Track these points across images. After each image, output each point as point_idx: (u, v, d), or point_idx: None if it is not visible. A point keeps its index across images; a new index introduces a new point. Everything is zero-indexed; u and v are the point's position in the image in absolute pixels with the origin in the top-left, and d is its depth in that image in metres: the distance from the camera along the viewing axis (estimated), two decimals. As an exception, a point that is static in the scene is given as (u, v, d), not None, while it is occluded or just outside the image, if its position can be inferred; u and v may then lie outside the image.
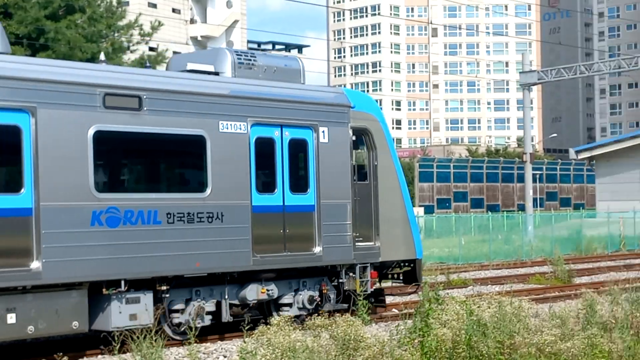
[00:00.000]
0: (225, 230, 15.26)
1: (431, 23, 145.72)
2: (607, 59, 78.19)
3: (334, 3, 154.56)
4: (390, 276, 18.85)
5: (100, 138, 13.86)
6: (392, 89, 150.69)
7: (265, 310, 16.35)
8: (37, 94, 13.24)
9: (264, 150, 15.97)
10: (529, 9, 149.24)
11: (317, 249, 16.49)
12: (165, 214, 14.57)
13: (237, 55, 16.43)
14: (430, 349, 11.85)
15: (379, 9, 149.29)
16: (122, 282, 13.96)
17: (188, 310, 15.06)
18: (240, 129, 15.58)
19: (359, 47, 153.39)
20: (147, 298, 14.36)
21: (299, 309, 16.54)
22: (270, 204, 16.04)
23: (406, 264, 18.51)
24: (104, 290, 13.87)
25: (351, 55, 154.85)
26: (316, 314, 13.55)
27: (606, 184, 57.69)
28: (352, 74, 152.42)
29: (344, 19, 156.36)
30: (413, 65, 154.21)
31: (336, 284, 17.17)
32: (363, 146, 17.86)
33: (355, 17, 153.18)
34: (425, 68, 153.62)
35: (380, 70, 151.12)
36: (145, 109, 14.40)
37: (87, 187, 13.67)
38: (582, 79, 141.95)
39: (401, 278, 18.78)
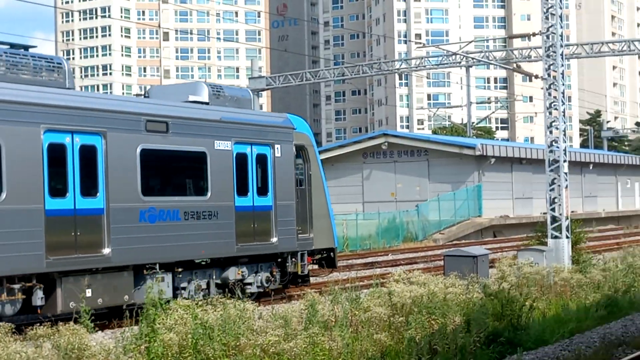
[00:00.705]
0: (220, 225, 20.06)
1: (161, 27, 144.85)
2: (332, 66, 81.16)
3: (62, 3, 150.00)
4: (314, 261, 24.03)
5: (144, 154, 18.41)
6: (123, 92, 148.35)
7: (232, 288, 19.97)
8: (107, 121, 17.71)
9: (241, 162, 20.86)
10: (259, 16, 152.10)
11: (274, 240, 21.49)
12: (183, 213, 19.28)
13: (211, 87, 21.34)
14: (156, 355, 11.82)
15: (109, 11, 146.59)
16: (157, 266, 18.50)
17: (189, 287, 19.68)
18: (227, 146, 20.49)
19: (88, 49, 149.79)
20: (168, 278, 18.97)
21: (258, 287, 21.33)
22: (245, 205, 20.96)
23: (325, 251, 24.03)
24: (144, 271, 18.31)
25: (80, 58, 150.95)
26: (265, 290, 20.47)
27: (331, 187, 59.81)
28: (81, 76, 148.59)
29: (73, 20, 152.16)
30: (144, 68, 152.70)
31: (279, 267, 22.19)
32: (300, 159, 22.93)
33: (85, 19, 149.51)
34: (157, 72, 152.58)
35: (111, 73, 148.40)
36: (170, 131, 19.07)
37: (137, 192, 18.21)
38: (309, 86, 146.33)
39: (323, 263, 24.31)
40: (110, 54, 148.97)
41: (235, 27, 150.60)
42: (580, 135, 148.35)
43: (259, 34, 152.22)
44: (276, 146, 21.89)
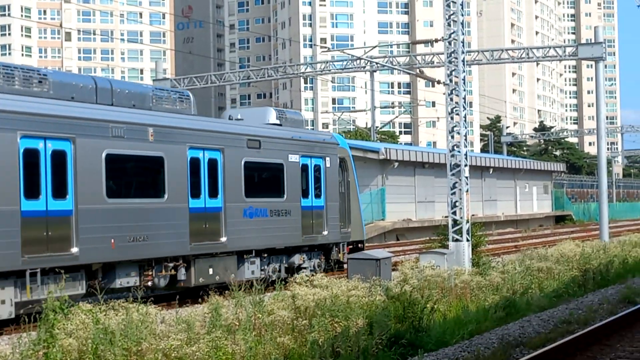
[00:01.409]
0: (291, 221, 25.74)
1: (63, 27, 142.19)
2: (237, 69, 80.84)
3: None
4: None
5: (246, 165, 24.14)
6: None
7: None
8: (224, 141, 23.51)
9: (305, 171, 26.68)
10: (164, 18, 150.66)
11: (326, 233, 27.22)
12: (269, 211, 25.00)
13: (278, 111, 27.11)
14: (55, 361, 11.59)
15: (9, 10, 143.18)
16: (253, 252, 24.16)
17: (267, 269, 24.95)
18: (296, 159, 26.25)
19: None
20: (257, 261, 24.43)
21: (311, 270, 26.27)
22: (307, 205, 26.56)
23: (357, 243, 29.63)
24: (245, 256, 23.94)
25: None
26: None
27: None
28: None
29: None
30: (46, 68, 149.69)
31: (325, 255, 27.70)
32: (341, 168, 28.59)
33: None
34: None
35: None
36: (262, 148, 24.75)
37: (242, 194, 23.89)
38: (214, 88, 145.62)
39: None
40: (10, 54, 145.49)
41: (140, 29, 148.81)
42: (481, 140, 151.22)
43: (164, 36, 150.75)
44: (327, 158, 27.81)
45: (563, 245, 29.79)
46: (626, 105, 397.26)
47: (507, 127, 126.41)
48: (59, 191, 18.54)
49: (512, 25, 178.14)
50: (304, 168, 26.70)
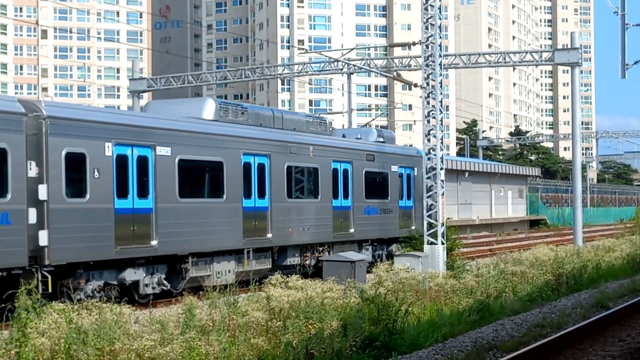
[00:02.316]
0: (393, 217, 33.35)
1: (39, 24, 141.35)
2: (214, 70, 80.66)
3: None
4: None
5: (366, 174, 31.83)
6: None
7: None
8: (352, 155, 31.19)
9: (401, 178, 34.14)
10: (141, 17, 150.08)
11: (413, 227, 33.52)
12: (380, 209, 32.25)
13: (378, 131, 35.57)
14: (27, 360, 11.51)
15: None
16: (369, 241, 31.85)
17: (375, 255, 32.39)
18: (396, 169, 33.95)
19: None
20: (370, 248, 31.94)
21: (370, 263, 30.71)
22: (402, 205, 34.16)
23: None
24: (363, 244, 31.42)
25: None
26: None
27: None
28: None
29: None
30: (21, 67, 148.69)
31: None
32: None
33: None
34: (34, 70, 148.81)
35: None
36: (375, 160, 32.55)
37: (363, 196, 31.38)
38: (191, 88, 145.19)
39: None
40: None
41: (117, 27, 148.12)
42: (457, 143, 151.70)
43: (141, 35, 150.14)
44: (415, 168, 34.73)
45: (537, 250, 29.93)
46: (601, 111, 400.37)
47: (483, 131, 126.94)
48: (261, 192, 26.22)
49: (489, 29, 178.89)
50: (401, 176, 34.49)
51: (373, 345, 14.62)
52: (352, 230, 30.59)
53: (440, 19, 27.17)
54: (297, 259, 27.87)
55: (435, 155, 27.07)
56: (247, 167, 25.64)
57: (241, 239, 25.03)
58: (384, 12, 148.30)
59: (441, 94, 27.25)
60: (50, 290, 18.68)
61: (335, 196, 29.93)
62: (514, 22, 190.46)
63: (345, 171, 30.70)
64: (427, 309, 19.13)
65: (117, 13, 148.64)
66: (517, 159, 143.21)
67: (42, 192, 18.90)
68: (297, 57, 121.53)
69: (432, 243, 26.49)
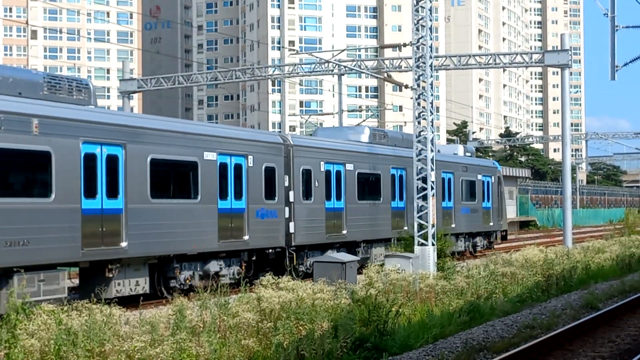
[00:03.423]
0: (479, 216, 41.76)
1: (29, 25, 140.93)
2: (205, 70, 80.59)
3: None
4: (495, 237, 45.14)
5: (462, 182, 40.06)
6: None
7: None
8: (454, 167, 39.83)
9: (483, 184, 42.14)
10: (131, 18, 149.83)
11: (492, 224, 43.06)
12: (470, 209, 40.42)
13: (464, 146, 43.77)
14: (16, 361, 11.47)
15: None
16: (464, 234, 40.53)
17: (465, 245, 40.85)
18: (480, 177, 42.08)
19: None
20: (463, 240, 40.52)
21: (480, 248, 42.26)
22: (484, 206, 42.50)
23: (504, 231, 45.58)
24: (459, 236, 40.07)
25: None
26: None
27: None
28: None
29: None
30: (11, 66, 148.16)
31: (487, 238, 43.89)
32: (497, 183, 44.13)
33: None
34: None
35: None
36: (468, 171, 40.97)
37: (460, 198, 39.89)
38: (182, 89, 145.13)
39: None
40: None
41: (107, 28, 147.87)
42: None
43: (131, 36, 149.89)
44: (492, 177, 43.70)
45: (527, 251, 29.97)
46: (591, 112, 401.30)
47: (473, 133, 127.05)
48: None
49: (480, 31, 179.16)
50: (483, 183, 42.54)
51: (364, 346, 14.61)
52: (453, 225, 38.86)
53: (430, 20, 27.19)
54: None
55: (425, 156, 27.08)
56: (393, 178, 34.65)
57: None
58: (375, 14, 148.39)
59: (432, 95, 27.27)
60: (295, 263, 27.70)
61: (445, 199, 38.67)
62: (504, 23, 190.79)
63: (449, 180, 39.18)
64: (417, 310, 19.13)
65: (108, 13, 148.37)
66: (507, 160, 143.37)
67: (291, 196, 27.95)
68: (287, 58, 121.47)
69: (422, 244, 26.50)
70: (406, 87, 29.07)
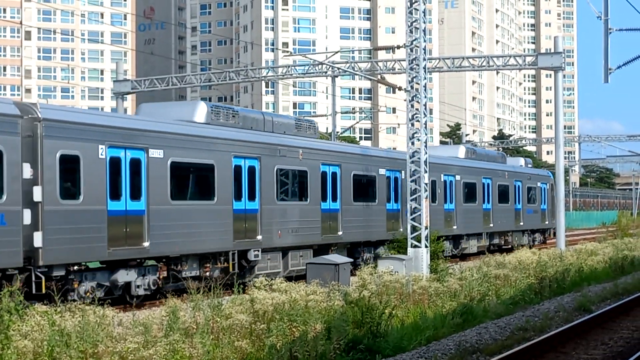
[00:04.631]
0: (537, 215, 51.35)
1: (23, 25, 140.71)
2: (198, 72, 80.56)
3: None
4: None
5: (527, 189, 50.43)
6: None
7: None
8: (519, 176, 49.60)
9: (542, 190, 52.53)
10: (125, 19, 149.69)
11: (547, 222, 52.56)
12: (533, 211, 50.80)
13: (525, 159, 57.51)
14: (9, 363, 11.46)
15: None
16: (530, 230, 51.72)
17: (527, 239, 50.84)
18: (539, 185, 52.43)
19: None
20: (526, 235, 51.05)
21: (537, 242, 52.02)
22: (541, 208, 52.38)
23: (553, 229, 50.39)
24: (528, 231, 51.36)
25: None
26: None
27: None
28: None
29: None
30: (4, 68, 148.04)
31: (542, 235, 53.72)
32: (551, 189, 52.15)
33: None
34: (18, 72, 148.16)
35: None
36: (530, 180, 51.14)
37: (522, 202, 49.03)
38: (175, 90, 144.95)
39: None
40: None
41: (101, 29, 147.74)
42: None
43: (125, 37, 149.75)
44: (547, 184, 52.48)
45: (520, 253, 29.99)
46: (584, 115, 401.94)
47: (467, 135, 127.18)
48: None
49: (473, 33, 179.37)
50: (541, 189, 51.53)
51: (357, 348, 14.62)
52: (521, 224, 48.20)
53: (424, 22, 27.23)
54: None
55: (419, 158, 27.11)
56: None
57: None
58: (368, 16, 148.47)
59: (425, 97, 27.31)
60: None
61: (516, 202, 47.68)
62: (497, 26, 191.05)
63: (519, 187, 48.00)
64: (410, 312, 19.14)
65: (101, 14, 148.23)
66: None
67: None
68: (281, 59, 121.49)
69: (415, 246, 26.52)
70: (400, 89, 29.11)
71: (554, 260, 29.41)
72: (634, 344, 16.76)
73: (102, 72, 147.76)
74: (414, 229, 26.85)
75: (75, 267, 20.47)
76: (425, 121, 27.27)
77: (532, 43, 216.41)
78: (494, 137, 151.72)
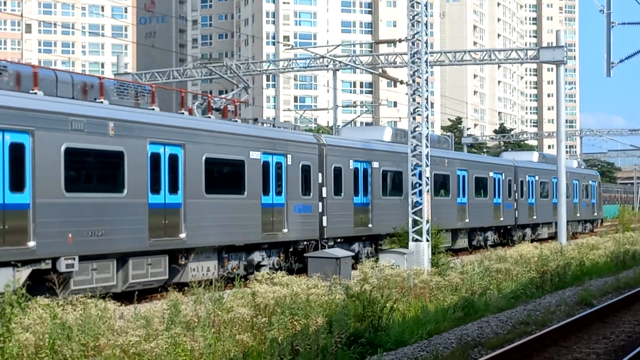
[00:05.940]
0: (581, 207, 61.03)
1: (23, 18, 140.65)
2: (199, 65, 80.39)
3: None
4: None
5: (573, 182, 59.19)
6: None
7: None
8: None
9: (590, 187, 62.57)
10: (126, 12, 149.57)
11: (596, 214, 64.08)
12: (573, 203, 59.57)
13: (578, 161, 69.05)
14: (11, 355, 11.45)
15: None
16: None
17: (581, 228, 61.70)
18: (589, 182, 62.51)
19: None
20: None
21: (582, 231, 60.63)
22: (590, 203, 62.37)
23: (601, 220, 67.01)
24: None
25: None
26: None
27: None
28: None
29: None
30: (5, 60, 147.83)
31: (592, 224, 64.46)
32: (598, 185, 65.41)
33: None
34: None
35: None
36: (572, 178, 58.00)
37: (574, 196, 59.31)
38: (176, 84, 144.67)
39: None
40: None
41: (101, 22, 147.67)
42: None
43: (126, 30, 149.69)
44: (596, 182, 62.63)
45: (521, 247, 29.98)
46: (585, 109, 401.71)
47: (468, 129, 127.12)
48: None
49: (475, 27, 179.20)
50: (592, 186, 59.62)
51: (358, 341, 14.61)
52: (578, 215, 57.07)
53: (426, 16, 27.19)
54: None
55: (420, 152, 27.09)
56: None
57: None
58: (370, 9, 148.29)
59: (427, 91, 27.28)
60: None
61: (574, 197, 55.86)
62: (499, 19, 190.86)
63: (577, 185, 55.83)
64: (412, 306, 19.14)
65: (102, 7, 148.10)
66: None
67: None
68: (282, 53, 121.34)
69: (417, 240, 26.52)
70: (401, 82, 29.09)
71: (555, 254, 29.40)
72: (636, 338, 16.76)
73: (102, 65, 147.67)
74: (415, 222, 26.83)
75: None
76: (427, 115, 27.25)
77: (534, 37, 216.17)
78: (495, 131, 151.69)
